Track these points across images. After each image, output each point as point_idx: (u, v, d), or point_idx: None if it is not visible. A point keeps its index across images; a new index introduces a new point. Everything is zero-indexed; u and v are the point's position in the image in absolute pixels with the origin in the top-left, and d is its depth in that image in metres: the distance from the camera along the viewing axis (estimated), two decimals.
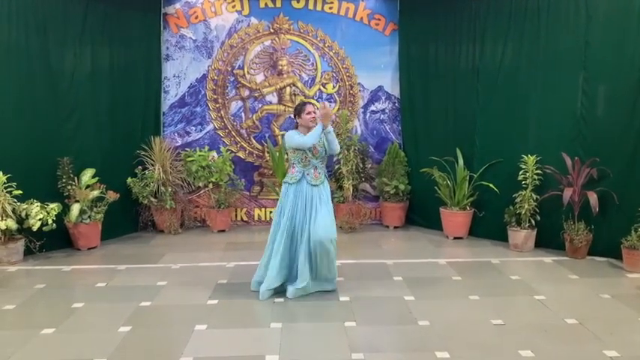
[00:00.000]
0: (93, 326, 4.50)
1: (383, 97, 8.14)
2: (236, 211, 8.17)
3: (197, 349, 4.04)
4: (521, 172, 6.61)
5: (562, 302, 4.96)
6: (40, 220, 6.21)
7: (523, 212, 6.61)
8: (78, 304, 4.94)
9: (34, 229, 6.20)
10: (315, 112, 4.97)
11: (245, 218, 8.23)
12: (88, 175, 6.94)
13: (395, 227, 7.97)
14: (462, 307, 4.87)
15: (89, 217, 6.82)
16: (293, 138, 4.99)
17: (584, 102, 6.30)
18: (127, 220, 7.68)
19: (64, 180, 6.77)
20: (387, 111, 8.17)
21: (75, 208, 6.69)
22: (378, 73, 8.09)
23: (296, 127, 5.16)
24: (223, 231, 7.81)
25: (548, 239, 6.67)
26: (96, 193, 6.90)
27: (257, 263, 6.16)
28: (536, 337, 4.20)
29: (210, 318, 4.62)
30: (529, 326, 4.42)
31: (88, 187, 6.91)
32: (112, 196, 7.00)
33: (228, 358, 3.92)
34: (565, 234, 6.39)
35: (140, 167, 7.62)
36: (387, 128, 8.19)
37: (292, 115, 5.25)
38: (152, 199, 7.54)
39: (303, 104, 5.10)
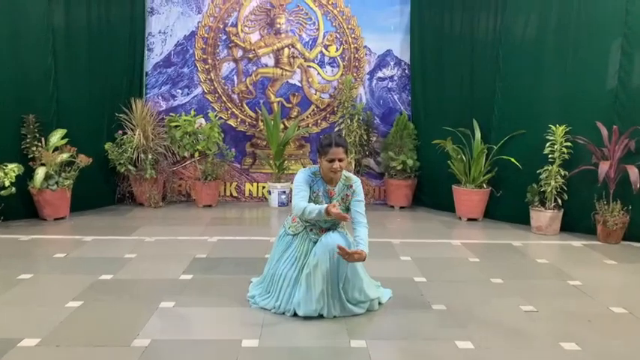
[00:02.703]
0: (36, 300, 3.71)
1: (391, 63, 7.31)
2: (225, 185, 7.36)
3: (158, 330, 3.25)
4: (547, 145, 5.81)
5: (602, 289, 4.16)
6: None
7: (548, 190, 5.80)
8: (25, 275, 4.14)
9: None
10: (339, 164, 3.46)
11: (235, 193, 7.42)
12: (57, 136, 6.13)
13: (401, 207, 7.16)
14: (483, 291, 4.07)
15: (56, 182, 6.02)
16: (297, 182, 3.55)
17: (624, 64, 5.48)
18: (103, 190, 6.88)
19: (28, 140, 5.96)
20: (395, 78, 7.33)
21: (40, 172, 5.89)
22: (387, 36, 7.25)
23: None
24: (210, 206, 7.00)
25: (576, 222, 5.87)
26: (65, 156, 6.10)
27: (245, 239, 5.47)
28: (579, 327, 3.41)
29: (180, 294, 3.83)
30: (567, 314, 3.63)
31: (57, 149, 6.11)
32: (84, 160, 6.19)
33: (194, 342, 3.13)
34: (597, 215, 5.58)
35: (120, 132, 6.81)
36: (396, 98, 7.37)
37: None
38: (130, 167, 6.73)
39: (328, 143, 3.47)
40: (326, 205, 3.32)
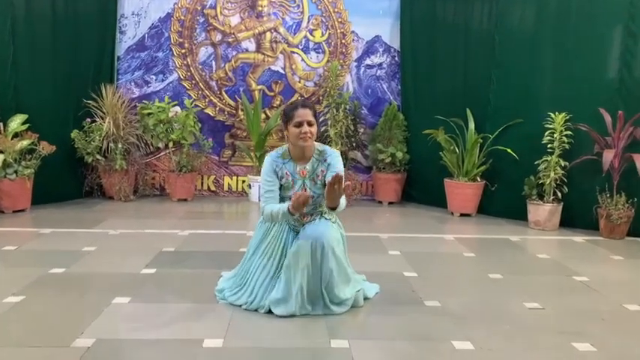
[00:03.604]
0: None
1: (380, 50, 6.89)
2: (202, 179, 6.88)
3: (106, 329, 2.78)
4: (546, 134, 5.41)
5: (612, 285, 3.75)
6: None
7: (547, 182, 5.40)
8: None
9: None
10: (308, 129, 2.99)
11: (213, 187, 6.94)
12: (17, 122, 5.65)
13: (389, 203, 6.71)
14: (481, 287, 3.65)
15: (15, 172, 5.52)
16: (263, 174, 3.12)
17: (629, 46, 5.10)
18: (69, 182, 6.36)
19: None
20: (384, 66, 6.91)
21: None
22: (376, 21, 6.82)
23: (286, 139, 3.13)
24: (185, 200, 6.51)
25: (577, 216, 5.47)
26: (25, 143, 5.60)
27: (219, 232, 5.01)
28: (592, 326, 2.99)
29: (138, 289, 3.36)
30: (577, 312, 3.21)
31: (16, 136, 5.63)
32: (46, 147, 5.70)
33: (146, 342, 2.66)
34: (599, 209, 5.19)
35: (88, 120, 6.32)
36: (384, 87, 6.94)
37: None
38: (99, 157, 6.24)
39: (293, 107, 3.05)
40: (286, 206, 2.90)
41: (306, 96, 6.86)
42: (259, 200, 3.24)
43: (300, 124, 2.98)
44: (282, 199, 3.13)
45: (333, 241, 2.99)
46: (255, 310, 3.05)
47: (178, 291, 3.36)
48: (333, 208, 2.96)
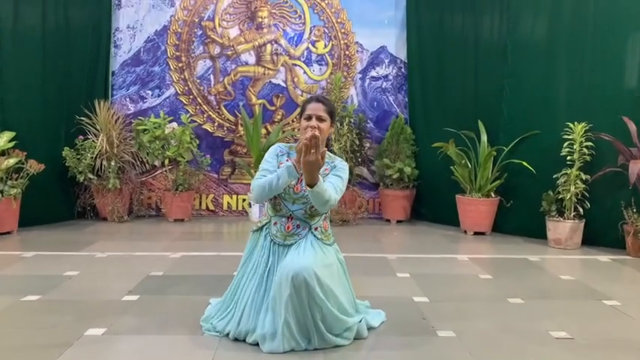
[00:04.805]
0: None
1: (386, 61, 6.59)
2: (200, 198, 6.56)
3: None
4: (565, 145, 5.05)
5: None
6: None
7: (567, 198, 5.03)
8: None
9: None
10: (317, 124, 2.77)
11: (211, 207, 6.60)
12: (4, 139, 5.38)
13: (398, 221, 6.35)
14: (500, 314, 3.26)
15: (1, 192, 5.23)
16: (264, 158, 2.88)
17: None
18: (61, 203, 6.06)
19: None
20: (390, 77, 6.60)
21: None
22: (381, 31, 6.54)
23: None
24: (182, 220, 6.18)
25: (601, 233, 5.09)
26: (12, 161, 5.32)
27: (213, 254, 4.66)
28: (628, 358, 2.59)
29: (116, 319, 3.01)
30: (611, 342, 2.82)
31: (3, 154, 5.35)
32: (34, 166, 5.41)
33: None
34: (625, 225, 4.80)
35: (81, 137, 6.04)
36: (391, 99, 6.63)
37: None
38: (92, 176, 5.94)
39: (309, 100, 2.93)
40: (289, 163, 2.62)
41: None
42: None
43: (309, 118, 2.81)
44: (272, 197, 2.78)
45: (316, 269, 2.56)
46: (244, 340, 2.69)
47: (160, 321, 3.00)
48: (311, 186, 2.53)
